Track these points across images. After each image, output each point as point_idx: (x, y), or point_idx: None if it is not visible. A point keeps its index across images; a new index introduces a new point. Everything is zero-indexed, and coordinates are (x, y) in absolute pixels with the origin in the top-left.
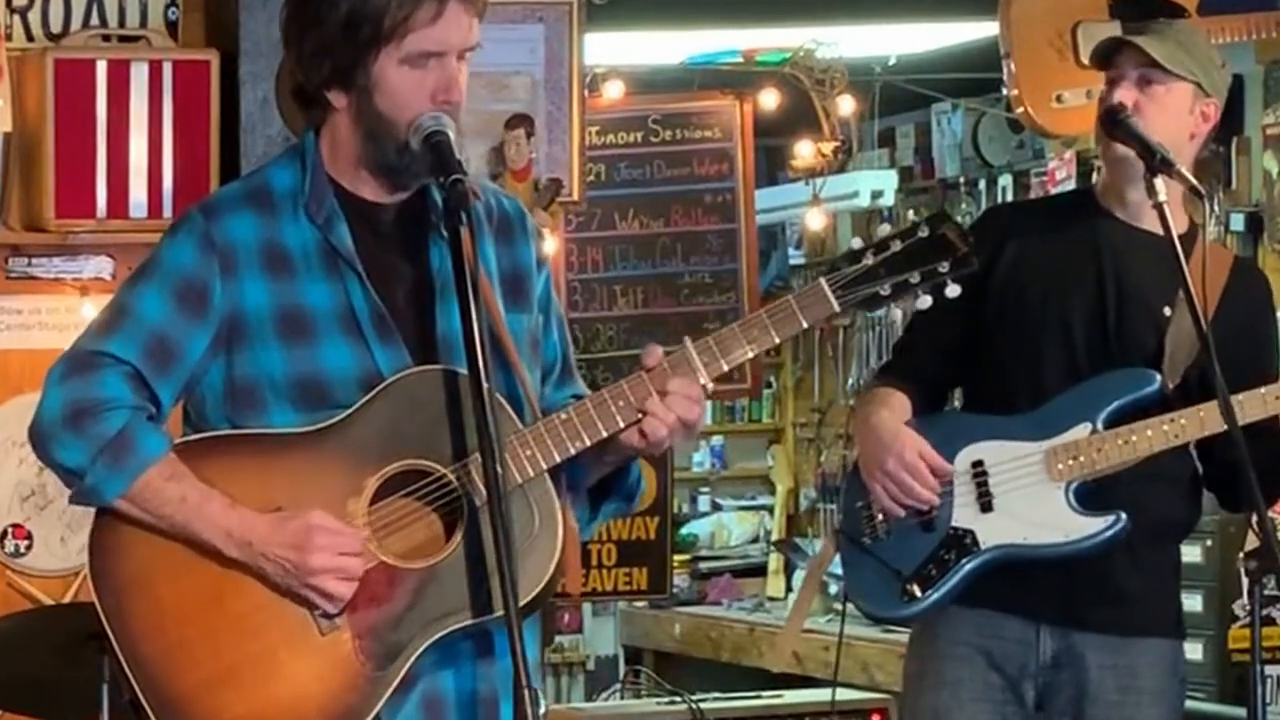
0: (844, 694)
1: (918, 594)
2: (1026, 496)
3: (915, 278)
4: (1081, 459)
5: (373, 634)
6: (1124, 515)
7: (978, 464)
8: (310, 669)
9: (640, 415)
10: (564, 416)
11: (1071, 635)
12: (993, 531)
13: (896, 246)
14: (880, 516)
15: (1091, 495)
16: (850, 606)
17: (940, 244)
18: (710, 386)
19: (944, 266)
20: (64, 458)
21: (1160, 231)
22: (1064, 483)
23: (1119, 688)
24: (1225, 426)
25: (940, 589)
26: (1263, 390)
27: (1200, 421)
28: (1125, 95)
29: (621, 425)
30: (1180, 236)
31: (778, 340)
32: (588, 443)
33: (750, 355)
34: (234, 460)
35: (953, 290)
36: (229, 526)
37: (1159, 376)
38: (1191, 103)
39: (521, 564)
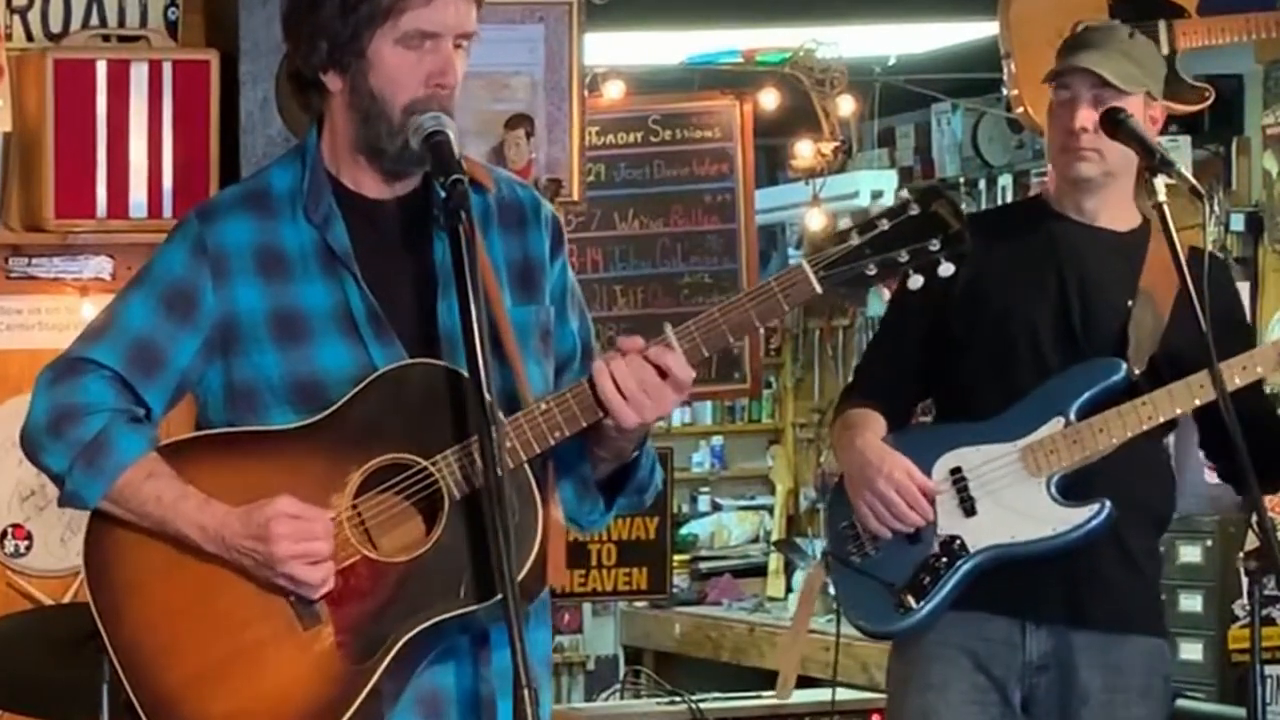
0: (844, 694)
1: (913, 604)
2: (1008, 496)
3: (903, 256)
4: (1059, 453)
5: (354, 628)
6: (1108, 502)
7: (955, 470)
8: (293, 663)
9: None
10: (544, 407)
11: (1058, 635)
12: (980, 534)
13: (884, 225)
14: (867, 534)
15: (1072, 489)
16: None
17: (931, 221)
18: (692, 374)
19: (935, 244)
20: (49, 463)
21: (1115, 228)
22: (1044, 477)
23: (1106, 686)
24: (1196, 402)
25: (935, 597)
26: (1188, 379)
27: (1171, 400)
28: (1085, 119)
29: (601, 415)
30: (1132, 232)
31: (759, 326)
32: (567, 433)
33: (732, 340)
34: (219, 459)
35: (946, 269)
36: (202, 522)
37: (1124, 365)
38: (1143, 111)
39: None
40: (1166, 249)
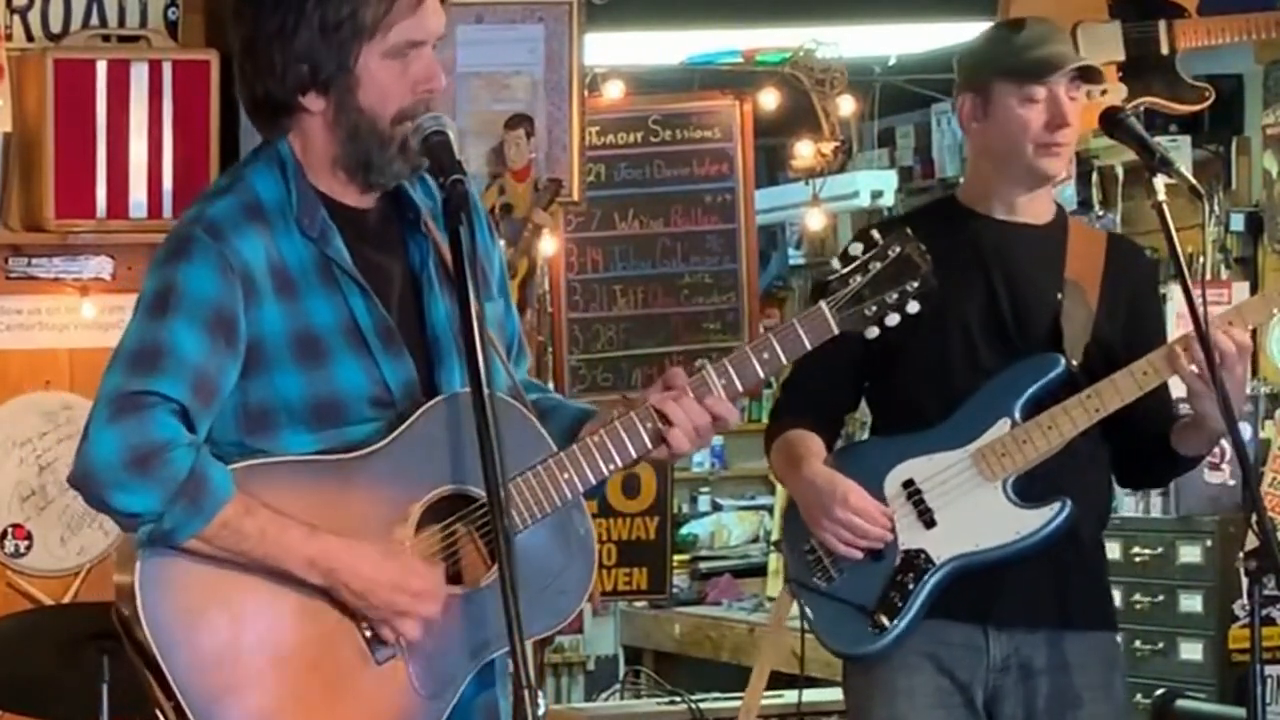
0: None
1: (886, 624)
2: (966, 504)
3: (892, 297)
4: (1011, 455)
5: (426, 661)
6: (1068, 501)
7: (908, 483)
8: (368, 698)
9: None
10: (597, 439)
11: (1019, 636)
12: (943, 545)
13: (876, 268)
14: (830, 558)
15: (1025, 489)
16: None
17: (907, 263)
18: (738, 416)
19: (912, 285)
20: (129, 503)
21: (1035, 223)
22: (999, 481)
23: (1068, 684)
24: (1140, 391)
25: (907, 614)
26: (1131, 367)
27: (1117, 391)
28: (1072, 115)
29: (650, 447)
30: (1050, 224)
31: (786, 361)
32: (620, 465)
33: (762, 375)
34: (279, 487)
35: (913, 307)
36: (311, 555)
37: (1062, 358)
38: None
39: (560, 584)
40: (1084, 239)
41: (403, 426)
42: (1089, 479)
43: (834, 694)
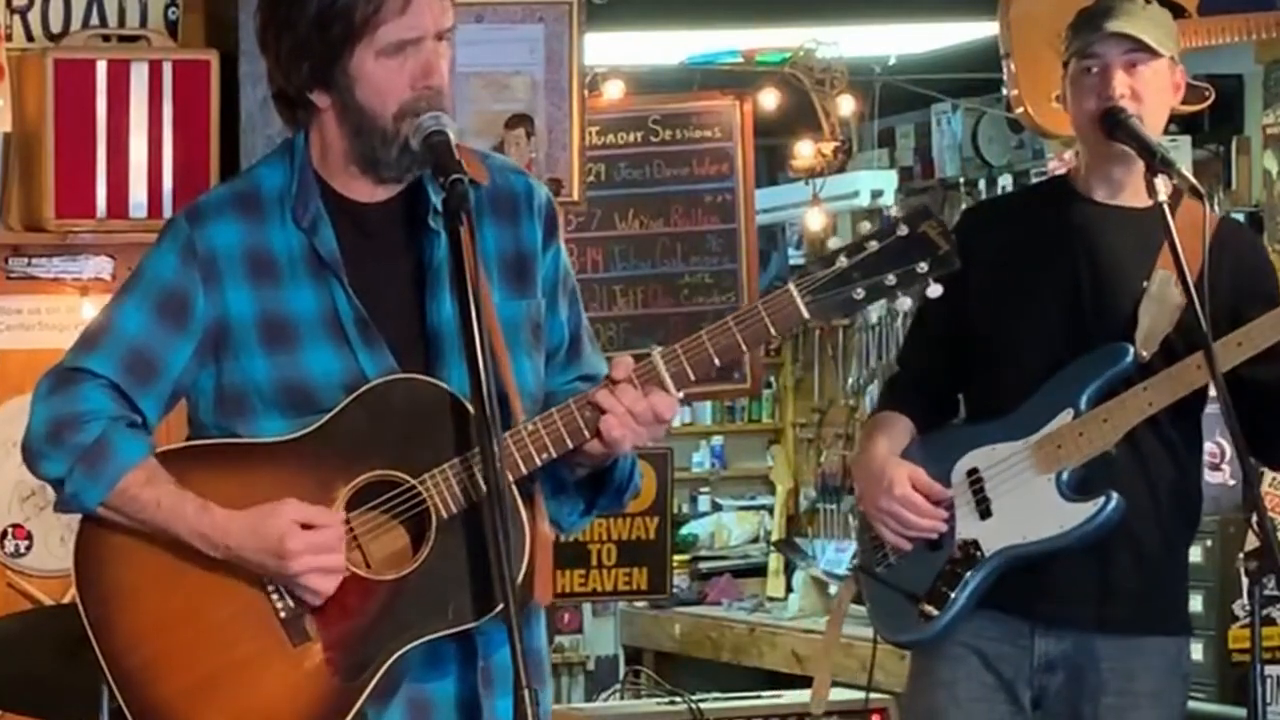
0: (845, 694)
1: (934, 613)
2: (1020, 495)
3: (891, 279)
4: (1066, 447)
5: (343, 646)
6: (1115, 494)
7: (973, 472)
8: (283, 680)
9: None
10: (530, 428)
11: (1067, 637)
12: (994, 537)
13: (873, 247)
14: (889, 545)
15: (1085, 484)
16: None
17: (919, 242)
18: (681, 395)
19: (923, 266)
20: (48, 469)
21: (1137, 205)
22: (1053, 473)
23: (1115, 690)
24: (1194, 385)
25: (954, 605)
26: (1190, 359)
27: (1171, 385)
28: (1121, 85)
29: (588, 437)
30: (1153, 207)
31: (746, 350)
32: (554, 455)
33: (719, 364)
34: (211, 469)
35: (934, 290)
36: (202, 529)
37: (1130, 349)
38: (1169, 75)
39: (488, 574)
40: (1188, 225)
41: (333, 411)
42: (1156, 475)
43: (843, 694)
